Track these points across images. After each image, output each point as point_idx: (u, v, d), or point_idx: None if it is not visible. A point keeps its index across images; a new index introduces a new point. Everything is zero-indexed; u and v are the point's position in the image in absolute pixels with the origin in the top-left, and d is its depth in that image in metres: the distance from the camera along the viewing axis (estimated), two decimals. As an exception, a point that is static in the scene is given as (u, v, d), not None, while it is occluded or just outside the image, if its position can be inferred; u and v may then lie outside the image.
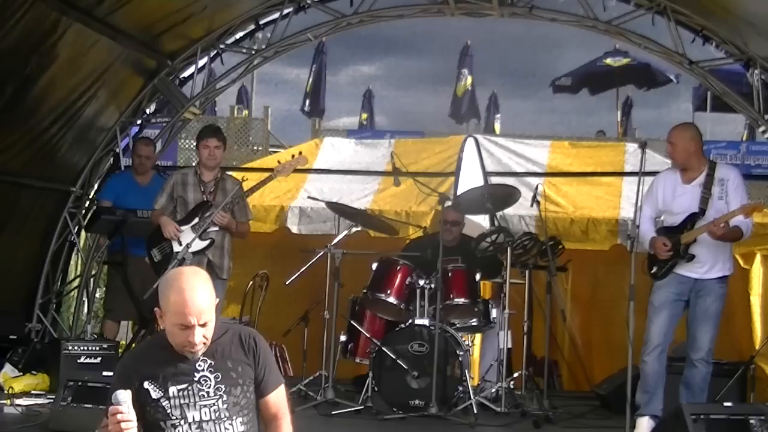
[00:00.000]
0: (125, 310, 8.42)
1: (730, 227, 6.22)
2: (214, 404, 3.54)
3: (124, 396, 3.33)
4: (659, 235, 6.46)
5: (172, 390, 3.53)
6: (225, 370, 3.58)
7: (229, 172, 10.16)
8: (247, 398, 3.61)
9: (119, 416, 3.28)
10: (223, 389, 3.56)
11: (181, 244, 7.02)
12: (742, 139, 18.25)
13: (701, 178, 6.42)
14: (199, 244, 7.01)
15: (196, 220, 7.07)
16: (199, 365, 3.56)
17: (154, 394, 3.53)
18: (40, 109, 8.19)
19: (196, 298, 3.46)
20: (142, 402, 3.49)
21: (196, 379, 3.55)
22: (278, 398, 3.71)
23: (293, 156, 7.50)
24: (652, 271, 6.51)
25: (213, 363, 3.57)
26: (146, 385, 3.53)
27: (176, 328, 3.48)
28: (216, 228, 7.05)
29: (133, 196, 8.30)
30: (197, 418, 3.52)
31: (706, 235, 6.24)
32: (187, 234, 7.04)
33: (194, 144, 16.44)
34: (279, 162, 7.44)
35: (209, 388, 3.55)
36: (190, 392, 3.54)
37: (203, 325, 3.48)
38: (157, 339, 3.67)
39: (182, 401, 3.53)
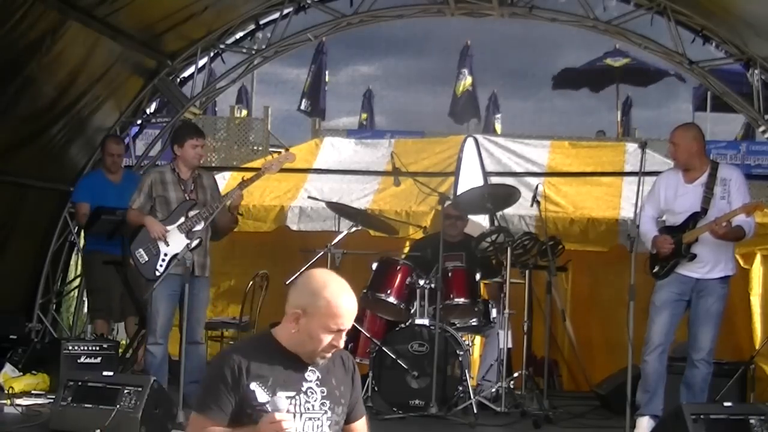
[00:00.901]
0: (111, 310, 8.41)
1: (732, 227, 6.22)
2: (319, 419, 3.37)
3: (284, 403, 3.19)
4: (661, 234, 6.47)
5: (281, 395, 3.31)
6: (331, 387, 3.43)
7: (229, 173, 10.23)
8: (342, 420, 3.46)
9: (285, 424, 3.13)
10: (328, 405, 3.40)
11: (168, 245, 6.90)
12: (736, 138, 18.26)
13: (703, 178, 6.42)
14: (193, 243, 6.96)
15: (182, 219, 6.96)
16: (308, 375, 3.39)
17: (261, 397, 3.28)
18: (40, 108, 8.20)
19: (351, 302, 3.33)
20: (244, 404, 3.26)
21: (303, 389, 3.37)
22: (363, 428, 3.58)
23: (280, 152, 7.44)
24: (654, 271, 6.51)
25: (320, 377, 3.41)
26: (254, 386, 3.28)
27: (324, 332, 3.29)
28: (201, 227, 7.00)
29: (108, 194, 8.25)
30: (300, 430, 3.33)
31: (708, 234, 6.24)
32: (174, 234, 6.93)
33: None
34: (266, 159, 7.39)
35: (315, 401, 3.37)
36: (297, 402, 3.35)
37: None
38: (264, 338, 3.41)
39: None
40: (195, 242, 6.89)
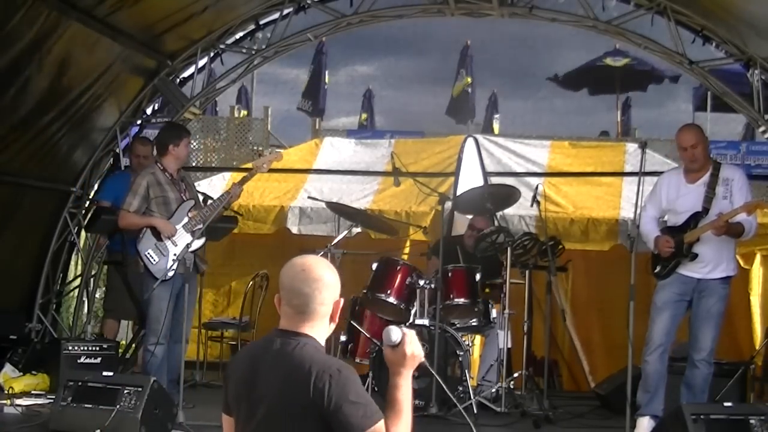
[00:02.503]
0: (125, 310, 8.42)
1: (733, 223, 6.22)
2: None
3: None
4: (663, 234, 6.46)
5: None
6: None
7: (229, 173, 10.24)
8: None
9: None
10: None
11: (176, 245, 6.93)
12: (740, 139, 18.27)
13: (706, 178, 6.41)
14: (197, 243, 6.99)
15: (186, 220, 6.98)
16: None
17: None
18: (41, 109, 8.19)
19: None
20: None
21: None
22: None
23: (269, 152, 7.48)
24: (656, 271, 6.50)
25: None
26: None
27: None
28: (200, 226, 7.02)
29: None
30: None
31: (710, 234, 6.23)
32: (180, 234, 6.96)
33: (192, 144, 16.51)
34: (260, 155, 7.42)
35: None
36: None
37: None
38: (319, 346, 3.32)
39: None
40: (201, 241, 6.98)
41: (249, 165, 10.46)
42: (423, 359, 3.26)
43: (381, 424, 3.09)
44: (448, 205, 8.41)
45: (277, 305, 3.34)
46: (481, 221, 8.09)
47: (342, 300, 3.35)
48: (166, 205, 7.01)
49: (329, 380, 3.08)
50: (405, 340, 3.21)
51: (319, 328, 3.29)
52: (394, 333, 3.22)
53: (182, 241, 6.94)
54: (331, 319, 3.32)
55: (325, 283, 3.29)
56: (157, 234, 6.95)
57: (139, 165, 8.54)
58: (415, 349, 3.21)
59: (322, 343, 3.29)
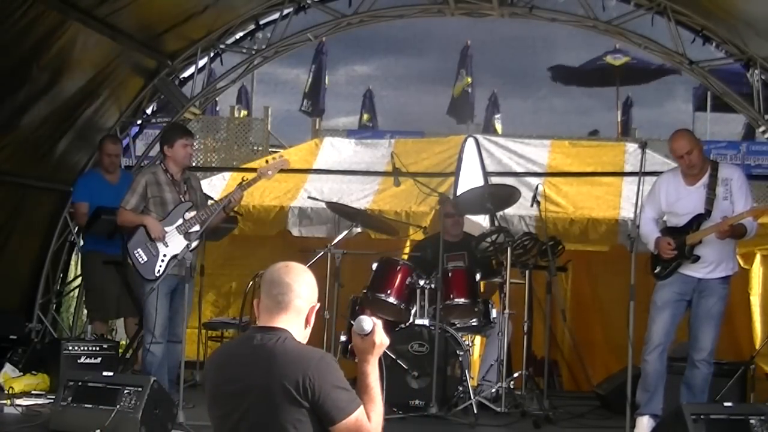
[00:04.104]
0: (107, 310, 8.41)
1: (736, 225, 6.22)
2: None
3: None
4: (663, 235, 6.45)
5: None
6: None
7: (229, 173, 10.22)
8: None
9: None
10: None
11: (167, 246, 6.91)
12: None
13: (705, 179, 6.39)
14: (191, 245, 6.98)
15: (180, 221, 6.98)
16: None
17: None
18: (41, 109, 8.20)
19: None
20: None
21: None
22: None
23: (276, 158, 7.47)
24: (655, 271, 6.49)
25: None
26: None
27: None
28: (197, 229, 7.01)
29: (106, 194, 8.20)
30: None
31: (713, 235, 6.22)
32: (173, 235, 6.95)
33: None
34: (267, 161, 7.38)
35: None
36: None
37: None
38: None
39: None
40: (194, 243, 6.92)
41: (253, 165, 10.50)
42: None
43: (362, 408, 3.26)
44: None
45: (256, 308, 3.43)
46: (449, 206, 8.07)
47: (318, 305, 3.44)
48: (163, 205, 7.02)
49: (315, 369, 3.21)
50: (375, 330, 3.33)
51: (295, 324, 3.38)
52: (366, 322, 3.32)
53: (174, 242, 6.92)
54: (306, 321, 3.41)
55: (305, 279, 3.43)
56: (148, 233, 6.96)
57: (111, 163, 8.53)
58: (383, 339, 3.35)
59: (305, 338, 3.39)
